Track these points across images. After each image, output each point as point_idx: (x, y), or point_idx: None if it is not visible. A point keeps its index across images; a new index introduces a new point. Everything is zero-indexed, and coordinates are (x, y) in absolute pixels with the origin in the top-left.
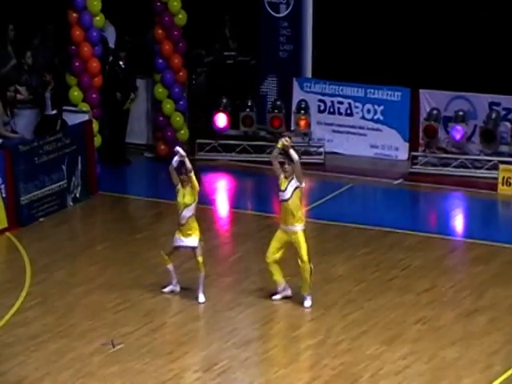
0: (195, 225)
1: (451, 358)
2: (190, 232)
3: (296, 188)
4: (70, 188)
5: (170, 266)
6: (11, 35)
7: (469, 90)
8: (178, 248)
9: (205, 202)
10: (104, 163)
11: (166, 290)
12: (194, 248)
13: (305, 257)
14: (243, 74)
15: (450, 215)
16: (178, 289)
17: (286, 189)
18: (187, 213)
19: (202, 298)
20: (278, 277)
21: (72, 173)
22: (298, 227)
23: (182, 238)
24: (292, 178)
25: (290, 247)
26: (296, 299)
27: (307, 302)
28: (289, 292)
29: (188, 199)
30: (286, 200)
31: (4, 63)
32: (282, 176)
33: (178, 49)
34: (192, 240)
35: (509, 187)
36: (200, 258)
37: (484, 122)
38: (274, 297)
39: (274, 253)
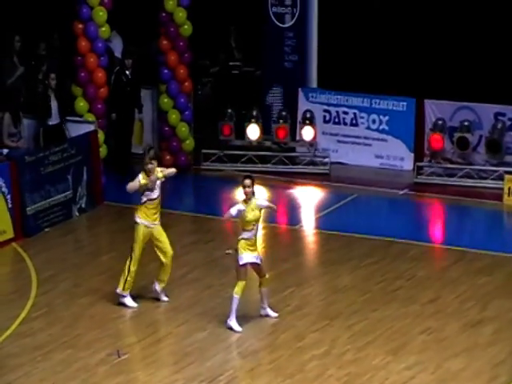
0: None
1: (456, 368)
2: (255, 247)
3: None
4: (75, 198)
5: (237, 296)
6: (17, 46)
7: (474, 100)
8: (245, 265)
9: (210, 212)
10: (109, 173)
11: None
12: (259, 265)
13: (170, 248)
14: (248, 85)
15: (454, 226)
16: (269, 312)
17: (155, 188)
18: (256, 229)
19: (272, 313)
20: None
21: (78, 183)
22: (158, 221)
23: (249, 254)
24: (158, 179)
25: (294, 257)
26: (302, 310)
27: (166, 297)
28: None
29: (256, 214)
30: (156, 198)
31: (10, 74)
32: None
33: (183, 59)
34: (258, 256)
35: None
36: (267, 275)
37: (489, 132)
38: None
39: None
